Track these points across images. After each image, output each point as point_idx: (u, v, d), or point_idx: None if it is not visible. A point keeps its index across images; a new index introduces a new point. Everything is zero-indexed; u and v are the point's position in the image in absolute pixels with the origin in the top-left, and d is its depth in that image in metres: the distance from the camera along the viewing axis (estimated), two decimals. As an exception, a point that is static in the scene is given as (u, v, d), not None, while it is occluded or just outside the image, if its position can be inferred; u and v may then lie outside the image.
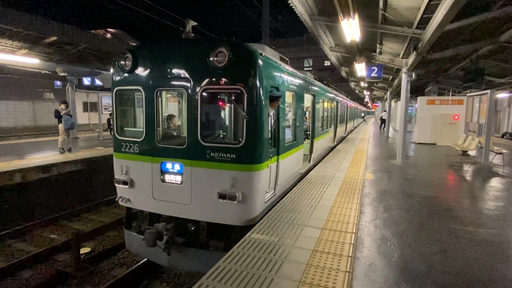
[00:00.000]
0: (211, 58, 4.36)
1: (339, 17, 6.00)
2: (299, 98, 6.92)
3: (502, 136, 24.41)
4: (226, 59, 4.30)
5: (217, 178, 4.54)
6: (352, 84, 27.54)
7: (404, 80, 10.28)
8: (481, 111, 10.87)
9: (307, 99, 8.04)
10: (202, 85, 4.56)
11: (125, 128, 5.56)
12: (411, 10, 7.32)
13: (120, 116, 5.54)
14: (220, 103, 5.42)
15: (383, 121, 24.85)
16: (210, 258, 4.51)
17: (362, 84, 21.69)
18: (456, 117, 15.38)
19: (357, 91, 34.84)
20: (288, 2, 7.48)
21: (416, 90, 20.69)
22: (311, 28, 9.54)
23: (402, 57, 10.95)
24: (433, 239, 4.47)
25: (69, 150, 11.42)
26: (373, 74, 11.62)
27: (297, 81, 6.82)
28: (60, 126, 10.98)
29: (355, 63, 11.72)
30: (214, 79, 4.50)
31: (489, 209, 5.93)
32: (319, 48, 12.97)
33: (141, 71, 4.97)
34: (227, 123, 5.52)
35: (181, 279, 5.90)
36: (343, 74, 21.02)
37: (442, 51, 9.56)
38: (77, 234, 6.18)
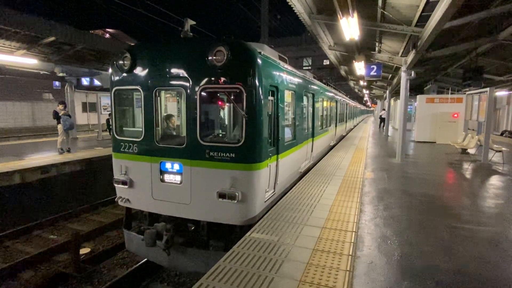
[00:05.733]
0: (210, 57, 4.36)
1: (338, 16, 5.99)
2: (298, 97, 6.91)
3: (502, 134, 24.41)
4: (225, 58, 4.29)
5: (217, 178, 4.54)
6: (352, 83, 27.53)
7: (403, 78, 10.27)
8: (481, 109, 10.86)
9: (307, 98, 8.03)
10: (201, 84, 4.55)
11: (124, 128, 5.55)
12: (410, 8, 7.31)
13: (119, 116, 5.52)
14: (219, 102, 5.41)
15: (382, 119, 24.86)
16: (210, 258, 4.51)
17: (361, 83, 21.69)
18: (456, 115, 15.38)
19: (356, 90, 34.84)
20: (287, 0, 7.46)
21: (416, 89, 20.68)
22: (310, 27, 9.52)
23: (401, 56, 10.93)
24: (433, 237, 4.47)
25: (68, 151, 11.40)
26: (372, 73, 11.60)
27: (296, 80, 6.81)
28: (59, 126, 10.96)
29: (354, 61, 11.70)
30: (213, 79, 4.49)
31: (489, 207, 5.93)
32: (318, 47, 12.96)
33: (139, 71, 4.96)
34: (226, 122, 5.51)
35: (181, 279, 5.89)
36: (342, 73, 21.00)
37: (441, 49, 9.55)
38: (77, 235, 6.17)
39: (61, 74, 14.46)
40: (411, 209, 5.65)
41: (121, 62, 4.97)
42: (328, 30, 10.47)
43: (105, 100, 17.16)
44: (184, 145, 4.74)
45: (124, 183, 5.13)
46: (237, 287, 2.96)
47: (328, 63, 39.46)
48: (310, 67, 47.97)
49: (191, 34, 5.29)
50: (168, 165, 4.86)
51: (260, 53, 4.62)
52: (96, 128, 18.23)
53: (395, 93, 23.21)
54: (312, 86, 8.61)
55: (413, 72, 10.02)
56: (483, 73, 10.89)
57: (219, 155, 4.51)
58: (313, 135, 8.73)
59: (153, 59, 4.93)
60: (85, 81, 16.49)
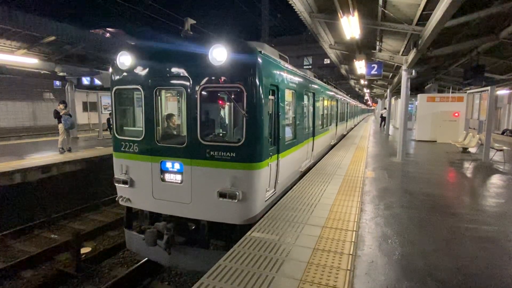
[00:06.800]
0: (210, 57, 4.35)
1: (339, 15, 5.99)
2: (299, 96, 6.90)
3: (503, 133, 24.36)
4: (225, 57, 4.28)
5: (217, 177, 4.53)
6: (352, 82, 27.51)
7: (404, 77, 10.25)
8: (481, 108, 10.84)
9: (307, 97, 8.02)
10: (202, 83, 4.55)
11: (124, 128, 5.55)
12: (411, 6, 7.29)
13: (120, 116, 5.53)
14: (220, 101, 5.41)
15: (383, 118, 24.83)
16: (211, 257, 4.51)
17: (362, 81, 21.67)
18: (456, 114, 15.35)
19: (357, 89, 34.82)
20: (287, -1, 7.46)
21: (416, 88, 20.64)
22: (310, 26, 9.51)
23: (402, 54, 10.91)
24: (434, 236, 4.46)
25: (69, 150, 11.41)
26: (373, 72, 11.58)
27: (297, 79, 6.80)
28: (60, 126, 10.96)
29: (354, 60, 11.69)
30: (213, 78, 4.49)
31: (490, 206, 5.92)
32: (319, 46, 12.94)
33: (140, 70, 4.96)
34: (226, 121, 5.51)
35: (182, 278, 5.90)
36: (343, 72, 20.98)
37: (442, 48, 9.51)
38: (77, 234, 6.18)
39: (61, 74, 14.46)
40: (412, 208, 5.64)
41: (121, 61, 4.97)
42: (329, 29, 10.45)
43: (106, 99, 17.18)
44: (185, 144, 4.74)
45: (124, 182, 5.14)
46: (238, 286, 2.96)
47: (328, 62, 39.47)
48: (310, 66, 47.94)
49: (192, 33, 5.29)
50: (168, 164, 4.86)
51: (260, 52, 4.61)
52: (96, 127, 18.25)
53: (396, 92, 23.17)
54: (312, 85, 8.60)
55: (413, 71, 10.00)
56: (484, 72, 10.85)
57: (220, 154, 4.51)
58: (313, 134, 8.73)
59: (153, 58, 4.93)
60: (85, 81, 16.46)
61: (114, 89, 5.25)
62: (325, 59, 43.95)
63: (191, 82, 4.60)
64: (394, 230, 4.63)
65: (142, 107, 5.00)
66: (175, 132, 5.48)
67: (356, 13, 5.92)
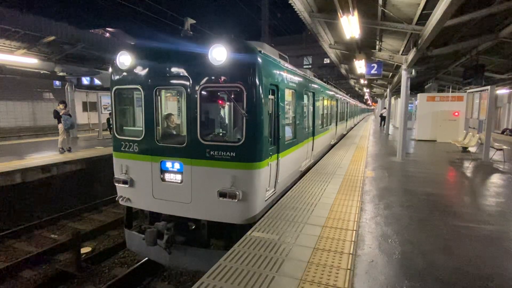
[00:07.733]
0: (210, 56, 4.35)
1: (339, 14, 5.99)
2: (298, 96, 6.90)
3: (502, 133, 24.39)
4: (225, 57, 4.28)
5: (217, 177, 4.54)
6: (352, 82, 27.51)
7: (404, 77, 10.25)
8: (481, 108, 10.84)
9: (307, 97, 8.02)
10: (201, 83, 4.55)
11: (124, 128, 5.55)
12: (411, 6, 7.29)
13: (120, 115, 5.52)
14: (220, 101, 5.41)
15: (383, 118, 24.83)
16: (211, 257, 4.52)
17: (361, 81, 21.67)
18: (456, 113, 15.35)
19: (357, 89, 34.82)
20: (287, -1, 7.46)
21: (416, 87, 20.66)
22: (310, 26, 9.51)
23: (401, 54, 10.91)
24: (434, 235, 4.46)
25: (69, 150, 11.41)
26: (372, 71, 11.59)
27: (297, 79, 6.80)
28: (60, 126, 10.96)
29: (354, 60, 11.69)
30: (213, 78, 4.49)
31: (490, 205, 5.92)
32: (319, 45, 12.95)
33: (139, 70, 4.96)
34: (226, 121, 5.51)
35: (182, 278, 5.90)
36: (343, 71, 20.99)
37: (442, 48, 9.51)
38: (78, 234, 6.18)
39: (61, 74, 14.44)
40: (412, 208, 5.64)
41: (121, 61, 4.97)
42: (329, 29, 10.45)
43: (106, 99, 17.17)
44: (185, 144, 4.74)
45: (124, 182, 5.14)
46: (238, 286, 2.96)
47: (328, 61, 39.44)
48: (310, 66, 47.92)
49: (191, 33, 5.29)
50: (168, 164, 4.87)
51: (260, 51, 4.61)
52: (96, 127, 18.24)
53: (396, 92, 23.17)
54: (312, 85, 8.60)
55: (413, 71, 10.00)
56: (484, 71, 10.86)
57: (220, 154, 4.52)
58: (313, 134, 8.73)
59: (153, 58, 4.93)
60: (85, 80, 16.48)
61: (114, 89, 5.25)
62: (325, 59, 43.92)
63: (191, 82, 4.60)
64: (394, 229, 4.63)
65: (142, 107, 5.01)
66: (175, 132, 5.48)
67: (356, 13, 5.93)
